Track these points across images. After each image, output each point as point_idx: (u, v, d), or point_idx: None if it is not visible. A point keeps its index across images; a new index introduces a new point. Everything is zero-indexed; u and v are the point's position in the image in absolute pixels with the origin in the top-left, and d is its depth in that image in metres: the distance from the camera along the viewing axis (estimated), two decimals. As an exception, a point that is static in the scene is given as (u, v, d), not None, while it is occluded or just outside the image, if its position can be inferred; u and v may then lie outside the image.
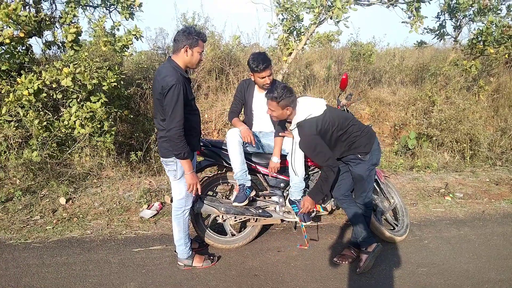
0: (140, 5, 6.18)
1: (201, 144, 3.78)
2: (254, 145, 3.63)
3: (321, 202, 3.78)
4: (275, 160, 3.62)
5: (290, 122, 3.68)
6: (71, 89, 5.41)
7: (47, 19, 5.74)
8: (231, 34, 13.03)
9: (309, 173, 3.95)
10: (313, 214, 3.87)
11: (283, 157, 3.80)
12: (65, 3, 5.93)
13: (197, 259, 3.52)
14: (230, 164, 3.72)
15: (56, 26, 6.07)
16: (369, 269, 3.47)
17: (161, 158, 3.24)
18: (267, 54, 3.69)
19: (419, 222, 4.58)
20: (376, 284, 3.34)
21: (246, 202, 3.64)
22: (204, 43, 3.07)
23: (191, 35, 2.96)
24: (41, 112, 5.49)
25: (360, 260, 3.48)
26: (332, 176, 3.23)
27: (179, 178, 3.21)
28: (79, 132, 5.40)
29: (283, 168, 3.84)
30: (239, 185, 3.65)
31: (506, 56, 8.01)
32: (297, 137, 3.27)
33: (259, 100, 3.81)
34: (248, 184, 3.64)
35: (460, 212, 4.86)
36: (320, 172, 3.96)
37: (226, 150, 3.71)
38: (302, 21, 7.04)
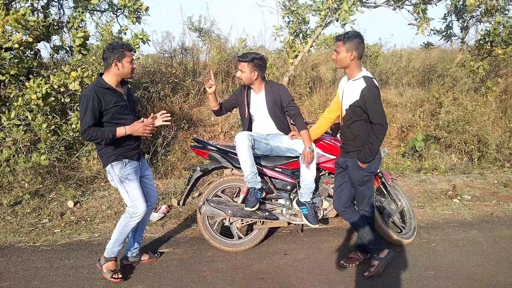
0: (147, 9, 6.22)
1: (200, 145, 3.85)
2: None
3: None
4: (309, 148, 3.55)
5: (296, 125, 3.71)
6: (78, 93, 5.46)
7: (55, 24, 5.79)
8: (237, 37, 13.07)
9: (320, 175, 3.95)
10: (320, 216, 3.87)
11: (293, 159, 3.81)
12: (72, 8, 6.00)
13: (109, 265, 3.42)
14: (237, 167, 3.73)
15: (64, 31, 6.13)
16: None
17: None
18: (260, 57, 3.69)
19: (426, 224, 4.56)
20: (383, 287, 3.32)
21: (257, 206, 3.65)
22: (131, 52, 3.20)
23: (116, 49, 3.11)
24: (49, 116, 5.55)
25: (372, 265, 3.45)
26: (382, 134, 3.13)
27: (119, 185, 3.26)
28: (86, 136, 5.44)
29: (291, 171, 3.85)
30: (249, 188, 3.66)
31: (514, 56, 7.96)
32: (359, 87, 3.13)
33: (255, 103, 3.82)
34: (259, 186, 3.65)
35: (468, 215, 4.83)
36: (326, 173, 3.99)
37: (233, 153, 3.73)
38: (308, 23, 7.05)
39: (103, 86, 3.13)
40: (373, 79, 3.18)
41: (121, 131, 3.13)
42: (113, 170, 3.22)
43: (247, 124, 3.91)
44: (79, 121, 3.10)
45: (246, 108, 3.84)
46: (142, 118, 3.27)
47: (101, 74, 3.25)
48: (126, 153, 3.26)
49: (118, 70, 3.15)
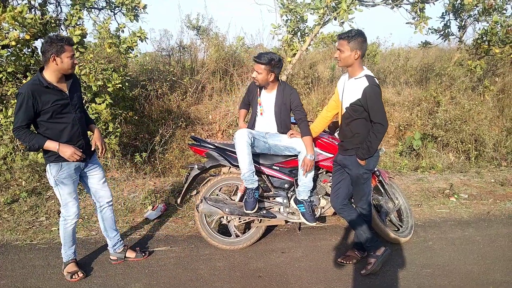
0: (144, 7, 6.20)
1: (198, 143, 3.86)
2: None
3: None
4: (310, 157, 3.56)
5: (294, 124, 3.72)
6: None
7: (53, 22, 5.77)
8: (235, 35, 13.05)
9: (317, 173, 3.96)
10: (318, 214, 3.88)
11: (291, 157, 3.82)
12: (70, 6, 5.97)
13: (70, 266, 3.42)
14: (234, 165, 3.73)
15: (61, 28, 6.10)
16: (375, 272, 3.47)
17: None
18: (278, 58, 3.63)
19: (423, 223, 4.57)
20: (381, 285, 3.33)
21: (256, 207, 3.65)
22: (71, 46, 3.02)
23: (54, 43, 2.92)
24: (46, 114, 5.52)
25: (369, 263, 3.46)
26: (382, 133, 3.13)
27: (54, 186, 3.21)
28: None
29: (289, 169, 3.85)
30: (247, 189, 3.65)
31: (512, 56, 7.97)
32: (361, 86, 3.13)
33: (264, 101, 3.82)
34: (255, 185, 3.65)
35: (465, 213, 4.84)
36: (325, 171, 4.00)
37: (231, 151, 3.73)
38: (306, 22, 7.04)
39: (41, 84, 2.95)
40: (375, 78, 3.18)
41: (51, 145, 3.01)
42: (50, 170, 3.14)
43: (253, 120, 3.91)
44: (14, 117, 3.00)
45: (259, 106, 3.85)
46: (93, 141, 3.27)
47: (42, 68, 3.05)
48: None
49: (56, 65, 2.96)
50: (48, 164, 3.15)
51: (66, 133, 3.11)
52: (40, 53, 3.04)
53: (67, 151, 3.04)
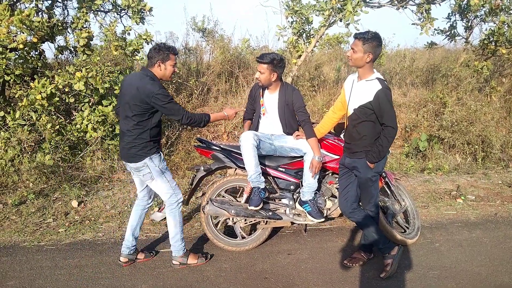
0: (150, 9, 6.23)
1: (204, 145, 3.90)
2: None
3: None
4: (318, 158, 3.58)
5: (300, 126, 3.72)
6: (83, 93, 5.48)
7: (59, 25, 5.82)
8: (241, 37, 13.08)
9: (323, 174, 3.95)
10: (324, 213, 3.87)
11: (297, 159, 3.82)
12: (76, 9, 6.02)
13: (192, 257, 3.57)
14: (240, 167, 3.74)
15: (68, 31, 6.15)
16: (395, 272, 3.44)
17: (130, 165, 3.36)
18: (280, 58, 3.64)
19: (430, 224, 4.55)
20: (387, 287, 3.32)
21: (261, 205, 3.66)
22: (175, 55, 3.29)
23: (161, 50, 3.20)
24: (53, 116, 5.57)
25: (386, 265, 3.43)
26: (393, 137, 3.15)
27: (159, 176, 3.34)
28: (91, 136, 5.47)
29: (294, 170, 3.85)
30: (253, 188, 3.66)
31: (519, 56, 7.92)
32: (373, 89, 3.13)
33: (267, 101, 3.83)
34: (262, 186, 3.66)
35: (472, 215, 4.81)
36: (330, 174, 3.99)
37: (237, 153, 3.74)
38: (312, 23, 7.04)
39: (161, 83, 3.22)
40: (385, 82, 3.19)
41: (219, 114, 3.58)
42: (152, 162, 3.28)
43: (257, 122, 3.92)
44: (173, 112, 3.21)
45: (261, 107, 3.86)
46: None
47: (143, 68, 3.32)
48: (159, 146, 3.42)
49: (160, 71, 3.23)
50: (148, 158, 3.27)
51: (160, 128, 3.42)
52: (147, 57, 3.32)
53: (230, 110, 3.64)
